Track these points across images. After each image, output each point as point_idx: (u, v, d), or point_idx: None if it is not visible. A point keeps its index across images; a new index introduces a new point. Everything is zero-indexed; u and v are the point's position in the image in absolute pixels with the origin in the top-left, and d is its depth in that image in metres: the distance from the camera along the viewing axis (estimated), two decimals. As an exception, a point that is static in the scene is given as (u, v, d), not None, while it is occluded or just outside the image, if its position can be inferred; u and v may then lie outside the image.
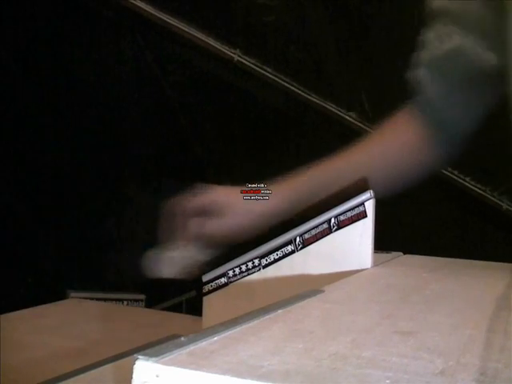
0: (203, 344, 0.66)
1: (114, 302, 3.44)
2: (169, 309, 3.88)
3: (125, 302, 3.67)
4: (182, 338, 0.66)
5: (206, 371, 0.57)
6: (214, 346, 0.66)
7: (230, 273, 1.42)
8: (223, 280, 1.44)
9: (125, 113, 3.79)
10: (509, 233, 3.64)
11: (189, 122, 3.72)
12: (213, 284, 1.46)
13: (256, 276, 1.38)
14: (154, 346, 1.05)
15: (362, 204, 1.20)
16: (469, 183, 3.64)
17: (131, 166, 3.93)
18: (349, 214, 1.22)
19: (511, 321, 0.83)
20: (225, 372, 0.57)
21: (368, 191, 1.19)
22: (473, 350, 0.68)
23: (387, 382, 0.56)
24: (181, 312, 3.75)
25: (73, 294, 3.34)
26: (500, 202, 3.61)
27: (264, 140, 3.69)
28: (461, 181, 3.53)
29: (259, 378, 0.56)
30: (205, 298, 1.48)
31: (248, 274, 1.39)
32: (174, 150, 3.87)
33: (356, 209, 1.21)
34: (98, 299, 3.08)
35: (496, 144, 3.38)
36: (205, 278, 1.46)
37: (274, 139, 3.69)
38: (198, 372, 0.57)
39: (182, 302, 4.09)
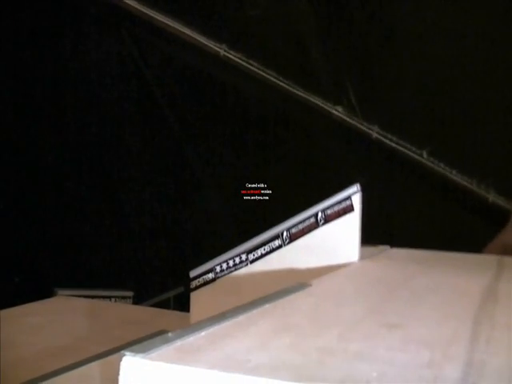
0: (190, 339, 0.66)
1: (102, 299, 3.43)
2: (157, 305, 3.86)
3: (113, 299, 3.65)
4: (169, 334, 0.66)
5: (193, 366, 0.57)
6: (202, 341, 0.66)
7: (218, 268, 1.42)
8: (210, 275, 1.43)
9: (110, 109, 3.77)
10: (495, 225, 3.65)
11: (175, 116, 3.69)
12: (200, 280, 1.45)
13: (243, 271, 1.38)
14: (140, 343, 1.05)
15: (349, 198, 1.20)
16: (455, 176, 3.64)
17: (118, 164, 3.91)
18: (336, 208, 1.22)
19: (497, 312, 0.83)
20: (212, 367, 0.57)
21: (355, 185, 1.19)
22: (459, 341, 0.69)
23: (374, 375, 0.56)
24: (169, 308, 3.74)
25: (60, 292, 3.33)
26: (486, 194, 3.63)
27: (251, 134, 3.68)
28: (447, 173, 3.53)
29: (247, 372, 0.56)
30: (192, 294, 1.48)
31: (235, 269, 1.39)
32: (160, 146, 3.85)
33: (343, 202, 1.21)
34: (85, 296, 3.07)
35: (482, 137, 3.39)
36: (192, 274, 1.45)
37: (260, 133, 3.67)
38: (185, 367, 0.57)
39: (170, 298, 4.08)
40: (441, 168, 3.56)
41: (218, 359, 0.58)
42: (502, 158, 3.43)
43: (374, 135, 3.54)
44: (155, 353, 0.60)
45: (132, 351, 0.60)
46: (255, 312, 0.79)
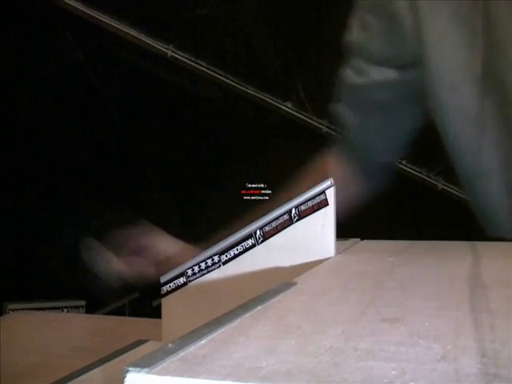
0: (192, 349, 0.63)
1: (54, 310, 3.34)
2: (111, 313, 3.79)
3: (65, 310, 3.57)
4: (170, 345, 0.63)
5: (204, 378, 0.54)
6: (204, 349, 0.63)
7: (189, 271, 1.38)
8: (182, 280, 1.40)
9: (56, 115, 3.68)
10: (445, 212, 3.73)
11: (124, 121, 3.64)
12: (171, 284, 1.42)
13: (216, 273, 1.35)
14: (124, 353, 1.01)
15: (323, 192, 1.18)
16: (405, 166, 3.70)
17: (61, 171, 3.83)
18: (310, 204, 1.21)
19: (490, 299, 0.83)
20: (225, 377, 0.54)
21: (328, 179, 1.18)
22: (465, 331, 0.67)
23: (393, 373, 0.54)
24: (124, 315, 3.67)
25: (9, 306, 3.23)
26: (436, 183, 3.69)
27: (201, 134, 3.65)
28: (397, 164, 3.58)
29: (262, 380, 0.53)
30: (163, 300, 1.44)
31: (208, 272, 1.36)
32: (109, 152, 3.78)
33: (317, 197, 1.19)
34: (37, 309, 2.98)
35: (430, 127, 3.45)
36: (163, 279, 1.42)
37: (211, 133, 3.65)
38: (196, 380, 0.54)
39: (125, 304, 4.00)
40: (390, 159, 3.59)
41: (229, 368, 0.55)
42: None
43: (324, 129, 3.56)
44: (160, 366, 0.56)
45: (135, 366, 0.56)
46: (249, 315, 0.76)
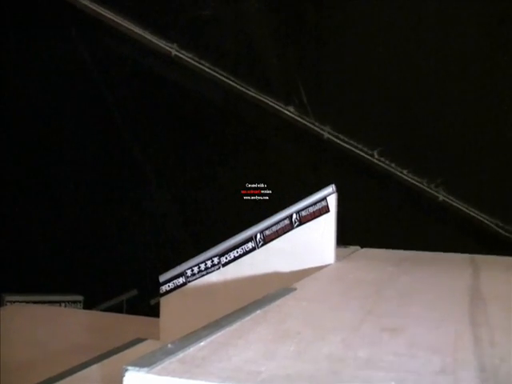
0: (191, 350, 0.63)
1: (52, 304, 3.32)
2: (109, 309, 3.77)
3: (62, 304, 3.55)
4: (169, 345, 0.63)
5: (203, 380, 0.54)
6: (204, 351, 0.63)
7: (189, 272, 1.38)
8: (181, 280, 1.40)
9: (58, 111, 3.66)
10: (445, 223, 3.71)
11: (124, 118, 3.62)
12: (170, 284, 1.42)
13: (215, 275, 1.35)
14: (123, 351, 1.01)
15: (325, 199, 1.18)
16: (406, 176, 3.68)
17: (63, 167, 3.81)
18: (311, 210, 1.21)
19: (490, 313, 0.83)
20: (224, 380, 0.54)
21: (330, 186, 1.18)
22: (464, 345, 0.68)
23: (392, 383, 0.54)
24: (121, 312, 3.66)
25: (8, 298, 3.22)
26: (436, 194, 3.68)
27: (202, 134, 3.64)
28: (398, 173, 3.57)
29: (261, 384, 0.53)
30: (162, 299, 1.44)
31: (207, 273, 1.36)
32: (109, 149, 3.77)
33: (318, 204, 1.19)
34: (35, 302, 2.97)
35: (432, 138, 3.44)
36: (162, 278, 1.41)
37: (211, 133, 3.64)
38: (195, 381, 0.54)
39: (123, 301, 3.99)
40: (392, 168, 3.59)
41: (228, 371, 0.55)
42: (451, 159, 3.49)
43: (326, 135, 3.54)
44: (159, 366, 0.56)
45: (134, 365, 0.56)
46: (249, 319, 0.76)
